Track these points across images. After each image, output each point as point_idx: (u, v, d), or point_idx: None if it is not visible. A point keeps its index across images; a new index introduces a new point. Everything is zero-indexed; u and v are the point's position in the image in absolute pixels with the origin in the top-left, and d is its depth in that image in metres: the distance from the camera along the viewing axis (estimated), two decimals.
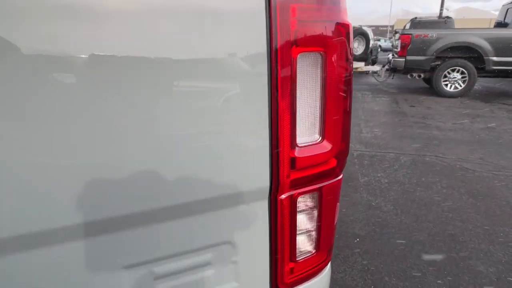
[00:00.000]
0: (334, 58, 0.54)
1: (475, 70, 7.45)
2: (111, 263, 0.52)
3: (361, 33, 9.39)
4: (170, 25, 0.47)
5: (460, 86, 7.65)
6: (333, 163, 0.62)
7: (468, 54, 7.45)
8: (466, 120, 5.65)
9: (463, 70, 7.54)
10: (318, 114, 0.57)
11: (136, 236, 0.51)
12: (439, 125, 5.38)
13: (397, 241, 2.34)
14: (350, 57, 0.56)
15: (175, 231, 0.54)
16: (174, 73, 0.48)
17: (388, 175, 3.45)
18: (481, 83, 9.80)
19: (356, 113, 6.24)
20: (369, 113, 6.26)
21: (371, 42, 10.20)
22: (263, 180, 0.56)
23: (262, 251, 0.60)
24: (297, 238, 0.61)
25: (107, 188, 0.48)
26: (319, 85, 0.56)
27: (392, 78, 9.28)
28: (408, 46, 7.58)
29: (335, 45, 0.54)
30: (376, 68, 9.21)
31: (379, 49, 13.87)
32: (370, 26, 13.74)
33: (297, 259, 0.63)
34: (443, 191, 3.07)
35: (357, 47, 9.38)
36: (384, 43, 26.77)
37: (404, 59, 7.67)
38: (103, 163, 0.48)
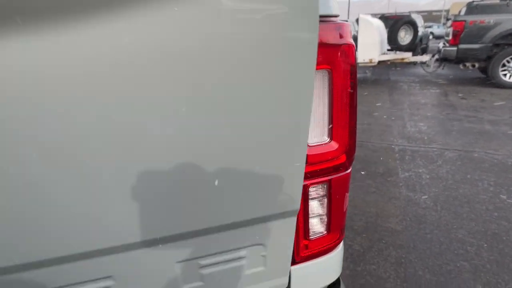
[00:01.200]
0: (338, 73, 0.66)
1: None
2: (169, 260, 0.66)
3: (408, 22, 8.87)
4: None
5: None
6: (342, 159, 0.74)
7: None
8: None
9: None
10: (326, 120, 0.70)
11: (193, 242, 0.66)
12: (493, 119, 5.01)
13: (434, 237, 2.33)
14: (354, 71, 0.68)
15: (221, 238, 0.68)
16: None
17: (430, 171, 3.36)
18: None
19: (401, 106, 6.03)
20: (415, 106, 6.01)
21: (420, 30, 9.60)
22: (296, 201, 0.68)
23: (287, 245, 0.74)
24: (309, 220, 0.75)
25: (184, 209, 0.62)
26: (327, 97, 0.68)
27: (442, 69, 8.69)
28: (461, 33, 7.06)
29: (340, 62, 0.66)
30: (424, 58, 8.66)
31: (430, 36, 12.95)
32: (421, 12, 12.81)
33: (310, 237, 0.77)
34: (490, 189, 2.93)
35: (404, 37, 8.87)
36: (437, 29, 24.82)
37: (456, 48, 7.15)
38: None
